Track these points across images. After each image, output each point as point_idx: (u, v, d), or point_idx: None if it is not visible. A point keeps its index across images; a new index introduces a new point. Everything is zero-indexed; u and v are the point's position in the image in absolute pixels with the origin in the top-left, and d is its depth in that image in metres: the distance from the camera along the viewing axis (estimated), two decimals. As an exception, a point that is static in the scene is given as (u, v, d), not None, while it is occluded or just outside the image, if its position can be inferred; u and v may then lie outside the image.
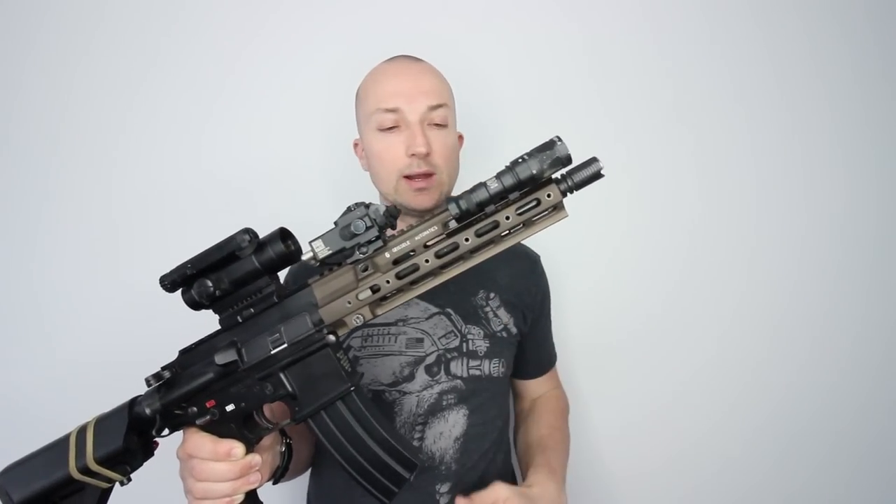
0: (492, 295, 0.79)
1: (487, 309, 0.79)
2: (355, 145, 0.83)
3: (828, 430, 1.11)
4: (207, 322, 0.58)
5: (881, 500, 1.12)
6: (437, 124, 0.74)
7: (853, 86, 1.10)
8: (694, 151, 1.09)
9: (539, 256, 0.88)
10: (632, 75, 1.07)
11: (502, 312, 0.79)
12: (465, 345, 0.75)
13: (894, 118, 1.11)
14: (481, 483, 0.72)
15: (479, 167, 0.99)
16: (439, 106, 0.74)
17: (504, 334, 0.78)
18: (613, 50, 1.07)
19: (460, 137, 0.85)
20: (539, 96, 1.07)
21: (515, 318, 0.80)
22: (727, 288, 1.09)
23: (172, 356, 0.59)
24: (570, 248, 1.02)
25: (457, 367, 0.74)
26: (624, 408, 1.08)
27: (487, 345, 0.76)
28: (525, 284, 0.83)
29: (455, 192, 0.82)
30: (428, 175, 0.74)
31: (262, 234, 0.53)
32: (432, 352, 0.75)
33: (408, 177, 0.73)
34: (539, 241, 0.66)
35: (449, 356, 0.75)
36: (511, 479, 0.83)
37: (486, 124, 1.03)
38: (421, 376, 0.74)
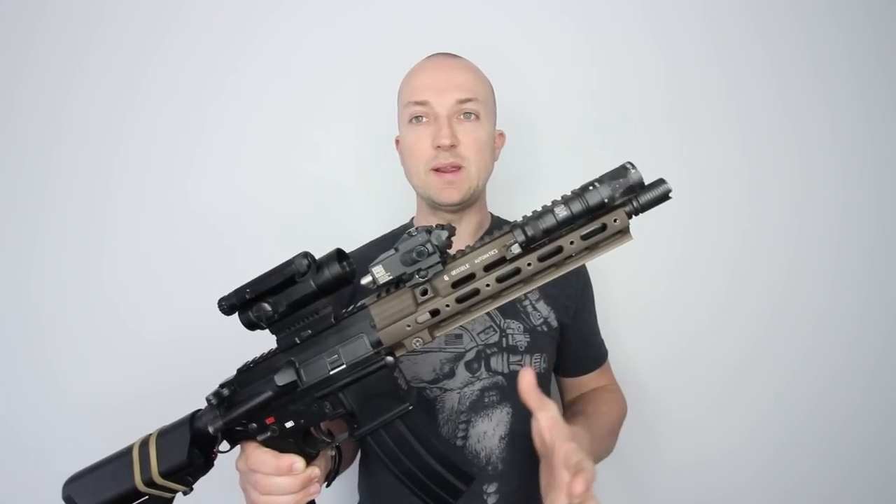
0: None
1: (526, 302, 0.79)
2: (396, 142, 0.83)
3: (825, 429, 1.12)
4: (242, 335, 0.57)
5: (878, 499, 1.14)
6: (467, 116, 0.74)
7: (852, 86, 1.10)
8: (693, 152, 1.08)
9: None
10: (634, 79, 1.07)
11: (542, 305, 0.79)
12: (504, 340, 0.76)
13: (894, 118, 1.10)
14: (529, 483, 0.73)
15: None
16: (469, 100, 0.73)
17: (544, 328, 0.78)
18: (616, 50, 1.07)
19: (501, 135, 0.84)
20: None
21: (556, 310, 0.79)
22: (725, 288, 1.10)
23: (213, 370, 0.59)
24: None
25: (497, 363, 0.75)
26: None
27: (528, 339, 0.76)
28: (567, 275, 0.81)
29: (489, 189, 0.82)
30: (456, 168, 0.73)
31: (294, 243, 0.53)
32: (472, 347, 0.75)
33: (437, 170, 0.73)
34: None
35: (489, 352, 0.75)
36: None
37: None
38: (461, 373, 0.74)
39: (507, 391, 0.75)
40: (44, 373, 0.99)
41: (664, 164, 1.04)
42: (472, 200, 0.78)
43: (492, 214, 0.87)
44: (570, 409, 0.81)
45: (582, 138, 1.07)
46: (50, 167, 0.99)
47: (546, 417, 0.50)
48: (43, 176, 0.99)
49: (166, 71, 1.01)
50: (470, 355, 0.75)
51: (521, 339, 0.76)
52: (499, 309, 0.75)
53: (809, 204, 1.10)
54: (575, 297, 0.82)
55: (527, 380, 0.52)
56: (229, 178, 1.03)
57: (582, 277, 0.85)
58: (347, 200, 1.05)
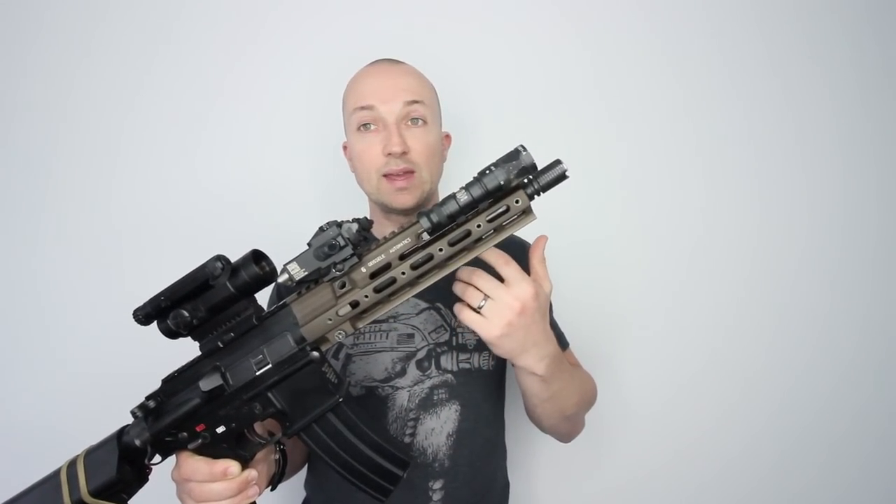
0: None
1: None
2: (344, 148, 0.84)
3: (828, 433, 1.12)
4: (176, 345, 0.57)
5: (882, 502, 1.14)
6: (415, 122, 0.75)
7: (854, 85, 1.11)
8: (693, 151, 1.09)
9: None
10: (633, 74, 1.08)
11: None
12: (454, 338, 0.77)
13: (895, 118, 1.11)
14: (475, 481, 0.75)
15: (469, 165, 1.00)
16: (415, 102, 0.75)
17: None
18: (613, 48, 1.08)
19: (447, 137, 0.85)
20: (540, 95, 1.07)
21: None
22: (726, 289, 1.10)
23: (147, 382, 0.58)
24: (564, 246, 0.97)
25: (447, 361, 0.76)
26: (622, 410, 1.08)
27: (477, 337, 0.78)
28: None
29: (441, 190, 0.83)
30: (408, 173, 0.74)
31: (253, 246, 0.53)
32: (423, 346, 0.76)
33: (387, 175, 0.74)
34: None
35: (439, 350, 0.76)
36: (505, 480, 0.85)
37: (476, 123, 1.03)
38: (412, 371, 0.75)
39: (457, 389, 0.76)
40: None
41: (650, 164, 1.07)
42: (426, 203, 0.79)
43: None
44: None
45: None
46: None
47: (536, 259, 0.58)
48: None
49: (165, 72, 1.02)
50: (421, 354, 0.76)
51: (471, 338, 0.78)
52: (451, 309, 0.77)
53: (812, 206, 1.10)
54: None
55: (539, 245, 0.58)
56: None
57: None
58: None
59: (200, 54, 1.03)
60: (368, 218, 0.56)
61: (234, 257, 0.53)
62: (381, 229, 0.82)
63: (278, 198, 1.05)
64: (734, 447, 1.12)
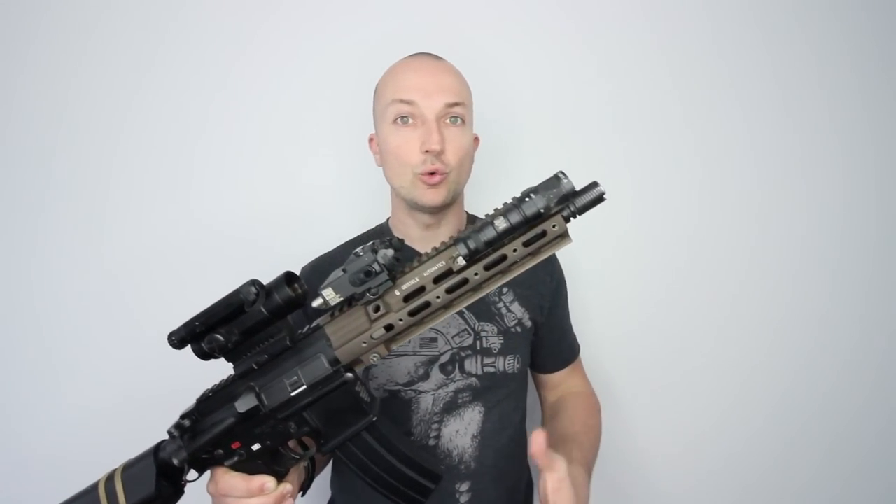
0: (504, 290, 0.80)
1: (500, 305, 0.80)
2: (370, 140, 0.82)
3: (826, 431, 1.14)
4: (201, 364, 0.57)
5: (880, 502, 1.16)
6: (453, 121, 0.74)
7: (853, 86, 1.10)
8: (693, 151, 1.08)
9: None
10: (636, 77, 1.07)
11: (516, 307, 0.81)
12: (478, 342, 0.77)
13: (894, 118, 1.11)
14: (501, 481, 0.76)
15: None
16: (457, 104, 0.73)
17: (518, 329, 0.80)
18: (616, 48, 1.06)
19: (476, 139, 0.84)
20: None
21: (531, 310, 0.81)
22: (725, 288, 1.11)
23: (176, 395, 0.59)
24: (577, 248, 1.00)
25: (471, 365, 0.77)
26: (622, 409, 1.09)
27: (501, 341, 0.78)
28: (539, 275, 0.82)
29: (466, 192, 0.83)
30: (442, 173, 0.73)
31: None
32: (446, 350, 0.77)
33: (422, 174, 0.73)
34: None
35: (463, 354, 0.77)
36: (529, 478, 0.87)
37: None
38: (436, 375, 0.76)
39: (481, 392, 0.77)
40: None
41: (653, 167, 1.07)
42: (452, 203, 0.79)
43: (467, 213, 0.87)
44: (555, 421, 0.81)
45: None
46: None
47: (554, 479, 0.52)
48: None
49: (164, 73, 0.99)
50: (444, 358, 0.76)
51: (495, 342, 0.78)
52: (473, 312, 0.78)
53: (812, 206, 1.11)
54: (549, 296, 0.84)
55: (538, 442, 0.52)
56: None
57: (556, 276, 0.86)
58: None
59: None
60: (400, 239, 0.55)
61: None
62: (402, 226, 0.82)
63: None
64: (734, 447, 1.14)
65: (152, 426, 0.64)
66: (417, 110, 0.72)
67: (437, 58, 0.79)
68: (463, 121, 0.75)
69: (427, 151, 0.71)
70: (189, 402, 0.58)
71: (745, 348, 1.12)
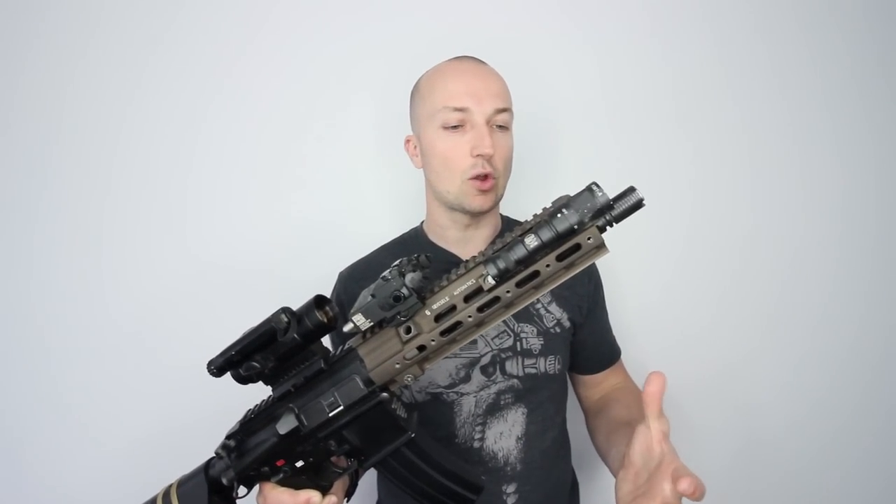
0: None
1: (539, 306, 0.79)
2: (407, 141, 0.81)
3: (826, 429, 1.13)
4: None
5: (879, 499, 1.15)
6: (500, 127, 0.73)
7: (852, 87, 1.08)
8: (693, 152, 1.07)
9: None
10: (633, 74, 1.06)
11: (554, 308, 0.80)
12: (518, 344, 0.77)
13: (893, 119, 1.09)
14: (547, 482, 0.76)
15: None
16: (505, 110, 0.73)
17: (557, 329, 0.79)
18: (617, 48, 1.05)
19: None
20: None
21: (569, 311, 0.80)
22: (723, 287, 1.10)
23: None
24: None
25: (512, 367, 0.76)
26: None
27: (542, 342, 0.77)
28: (577, 276, 0.80)
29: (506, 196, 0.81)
30: (491, 178, 0.73)
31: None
32: (486, 352, 0.76)
33: (472, 178, 0.72)
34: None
35: (503, 356, 0.76)
36: (574, 479, 0.86)
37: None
38: (477, 377, 0.76)
39: (523, 393, 0.76)
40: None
41: (669, 164, 1.06)
42: (497, 207, 0.80)
43: (502, 216, 0.86)
44: (609, 411, 0.79)
45: (582, 140, 1.06)
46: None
47: (658, 430, 0.48)
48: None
49: (164, 75, 0.99)
50: (485, 360, 0.76)
51: (535, 343, 0.77)
52: (512, 314, 0.76)
53: (812, 204, 1.10)
54: (587, 297, 0.82)
55: (656, 384, 0.48)
56: (240, 183, 1.01)
57: (593, 279, 0.85)
58: (357, 205, 1.03)
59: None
60: (428, 256, 0.54)
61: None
62: (439, 229, 0.81)
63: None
64: (733, 445, 1.12)
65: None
66: (469, 116, 0.71)
67: (480, 61, 0.77)
68: (508, 127, 0.75)
69: (479, 156, 0.71)
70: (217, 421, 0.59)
71: (745, 348, 1.11)
